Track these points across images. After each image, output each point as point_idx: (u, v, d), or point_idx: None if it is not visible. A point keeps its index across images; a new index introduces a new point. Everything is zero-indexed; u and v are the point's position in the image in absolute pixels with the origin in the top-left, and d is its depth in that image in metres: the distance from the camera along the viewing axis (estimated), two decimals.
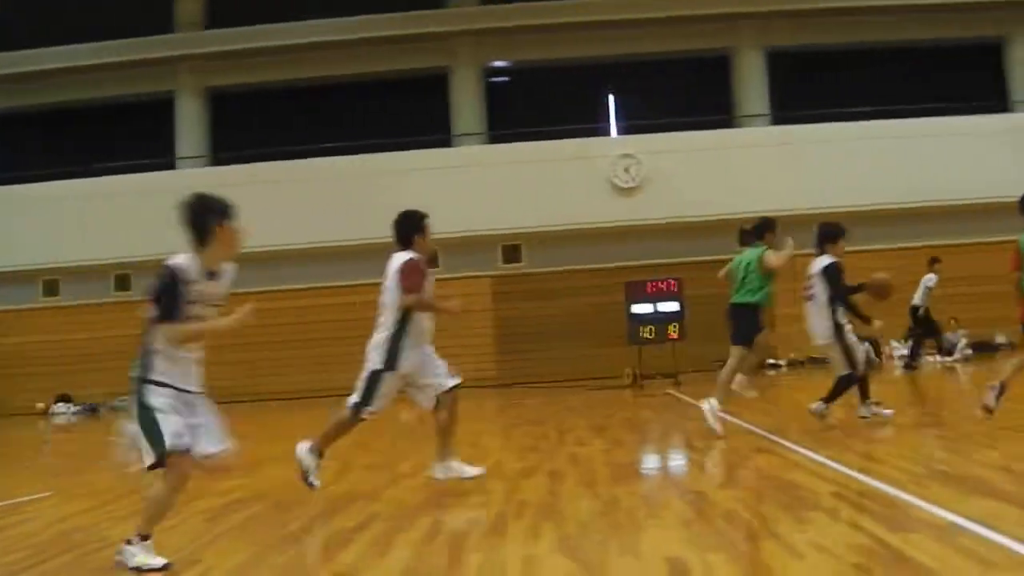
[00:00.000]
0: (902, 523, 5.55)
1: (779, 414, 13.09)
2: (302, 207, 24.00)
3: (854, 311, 10.30)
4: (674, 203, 23.55)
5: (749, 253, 11.22)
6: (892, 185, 23.23)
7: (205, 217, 5.61)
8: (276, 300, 23.38)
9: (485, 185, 23.76)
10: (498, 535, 5.97)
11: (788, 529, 5.50)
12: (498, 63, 27.92)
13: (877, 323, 10.12)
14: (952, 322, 21.70)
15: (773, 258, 10.85)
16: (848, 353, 10.24)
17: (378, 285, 7.80)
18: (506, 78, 28.39)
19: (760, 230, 11.34)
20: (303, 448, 7.74)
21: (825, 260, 10.44)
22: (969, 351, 21.60)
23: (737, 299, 11.28)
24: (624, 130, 26.67)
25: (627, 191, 24.13)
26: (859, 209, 21.90)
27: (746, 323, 11.15)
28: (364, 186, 23.77)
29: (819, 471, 7.52)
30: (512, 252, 23.76)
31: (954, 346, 21.61)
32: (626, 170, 24.14)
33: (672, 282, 21.12)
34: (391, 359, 7.61)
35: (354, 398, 7.69)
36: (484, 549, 5.60)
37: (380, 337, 7.67)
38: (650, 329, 20.87)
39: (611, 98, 27.18)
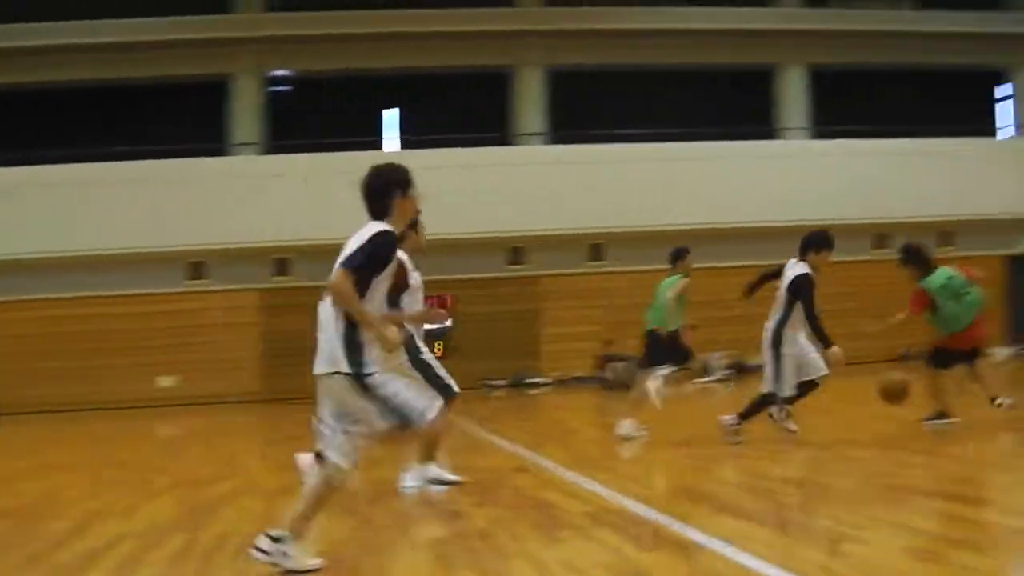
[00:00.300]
0: (650, 542, 5.75)
1: (538, 433, 13.35)
2: (79, 212, 22.76)
3: (820, 331, 9.43)
4: (447, 220, 23.31)
5: (669, 280, 11.48)
6: (662, 207, 23.67)
7: (388, 188, 5.52)
8: (49, 308, 22.45)
9: (257, 196, 23.08)
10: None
11: (539, 548, 5.63)
12: (280, 72, 27.49)
13: (836, 350, 9.27)
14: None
15: (669, 291, 11.26)
16: (778, 367, 9.57)
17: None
18: (288, 87, 27.99)
19: (673, 258, 11.64)
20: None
21: (799, 269, 9.63)
22: (727, 372, 22.45)
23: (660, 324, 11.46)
24: (404, 144, 26.61)
25: None
26: (626, 230, 22.46)
27: (669, 343, 11.37)
28: (140, 192, 22.74)
29: (573, 490, 7.71)
30: (282, 265, 23.25)
31: (712, 368, 22.40)
32: None
33: (442, 299, 21.22)
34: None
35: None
36: (235, 568, 5.51)
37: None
38: None
39: (390, 111, 27.10)
